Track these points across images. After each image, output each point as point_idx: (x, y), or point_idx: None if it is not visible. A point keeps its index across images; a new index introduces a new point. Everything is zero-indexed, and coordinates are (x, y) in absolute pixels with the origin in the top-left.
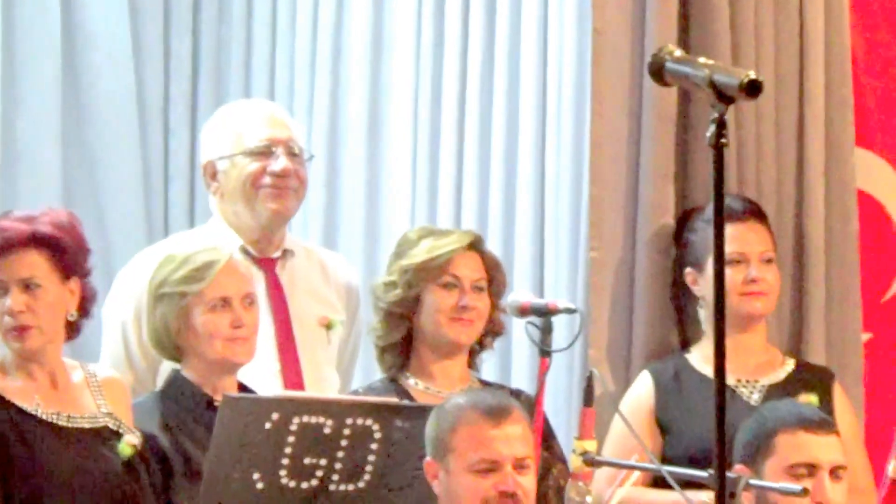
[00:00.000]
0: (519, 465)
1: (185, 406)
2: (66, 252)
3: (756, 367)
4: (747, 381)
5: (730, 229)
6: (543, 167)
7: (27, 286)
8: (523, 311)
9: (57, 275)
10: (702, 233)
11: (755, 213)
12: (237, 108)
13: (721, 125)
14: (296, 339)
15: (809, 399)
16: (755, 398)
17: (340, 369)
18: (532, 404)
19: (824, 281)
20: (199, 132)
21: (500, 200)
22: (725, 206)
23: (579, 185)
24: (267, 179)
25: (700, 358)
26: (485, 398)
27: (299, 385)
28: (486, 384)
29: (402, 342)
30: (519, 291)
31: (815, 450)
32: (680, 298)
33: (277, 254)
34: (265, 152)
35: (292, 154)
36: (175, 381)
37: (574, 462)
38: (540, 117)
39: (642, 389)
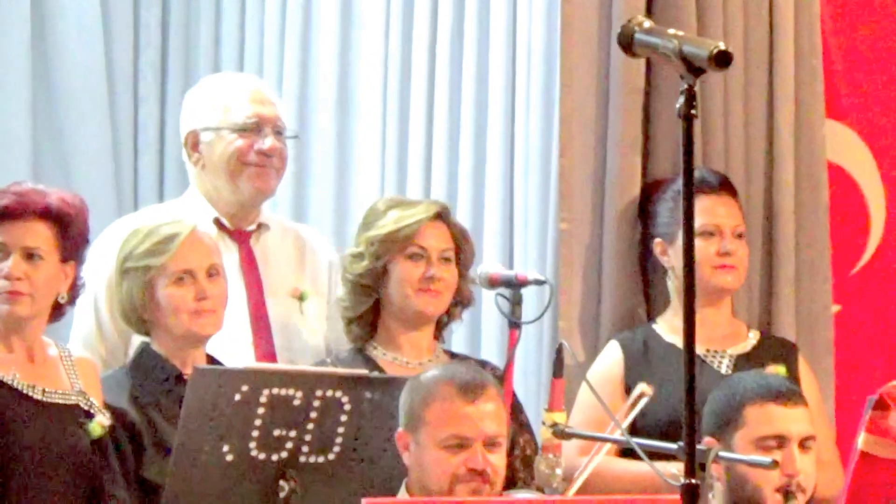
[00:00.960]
0: (490, 443)
1: (155, 379)
2: (71, 234)
3: (722, 338)
4: (716, 352)
5: (703, 201)
6: (513, 139)
7: (30, 255)
8: (493, 283)
9: (59, 253)
10: (672, 203)
11: (727, 186)
12: (225, 81)
13: (691, 97)
14: (268, 311)
15: (777, 370)
16: (724, 367)
17: (325, 343)
18: (498, 376)
19: (794, 254)
20: (168, 104)
21: (469, 172)
22: (698, 178)
23: (548, 156)
24: (252, 157)
25: (667, 328)
26: (461, 373)
27: (271, 356)
28: (452, 355)
29: (369, 313)
30: (488, 263)
31: (784, 422)
32: (646, 269)
33: (252, 227)
34: (253, 129)
35: (277, 132)
36: (144, 354)
37: (544, 434)
38: (509, 89)
39: (611, 359)
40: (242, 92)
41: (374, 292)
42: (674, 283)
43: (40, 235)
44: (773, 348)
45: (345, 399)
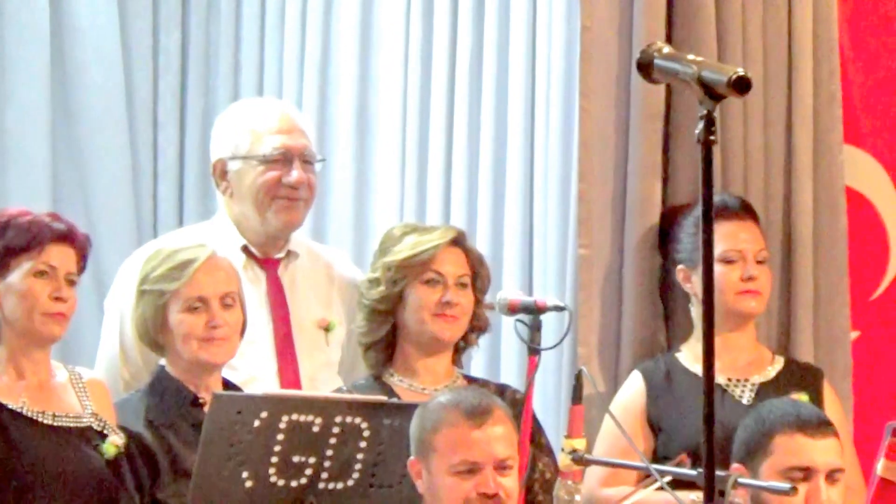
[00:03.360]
0: (500, 466)
1: (170, 403)
2: (85, 264)
3: (746, 365)
4: (738, 381)
5: (725, 227)
6: (532, 164)
7: (71, 282)
8: (512, 309)
9: (77, 279)
10: (694, 229)
11: (749, 211)
12: (254, 108)
13: (710, 122)
14: (294, 341)
15: (800, 398)
16: (746, 397)
17: (344, 368)
18: (519, 399)
19: (812, 279)
20: (187, 128)
21: (488, 197)
22: (720, 203)
23: (568, 182)
24: (282, 191)
25: (691, 357)
26: (467, 398)
27: (296, 386)
28: (471, 380)
29: (386, 339)
30: (508, 289)
31: (811, 453)
32: (668, 296)
33: (281, 255)
34: (280, 160)
35: (306, 162)
36: (160, 377)
37: (563, 460)
38: (529, 114)
39: (633, 389)
40: (270, 121)
41: (390, 318)
42: (697, 310)
43: (75, 262)
44: (796, 375)
45: (364, 425)
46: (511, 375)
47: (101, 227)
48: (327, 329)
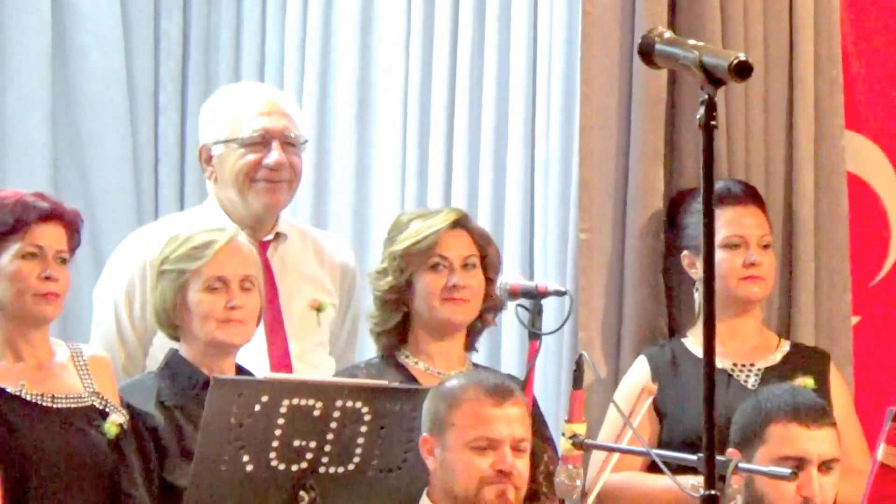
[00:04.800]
0: (516, 447)
1: (183, 385)
2: (77, 241)
3: (751, 350)
4: (743, 366)
5: (729, 212)
6: (533, 149)
7: (63, 260)
8: (513, 294)
9: (69, 257)
10: (699, 215)
11: (754, 196)
12: (235, 93)
13: (711, 107)
14: (284, 322)
15: (805, 382)
16: (752, 382)
17: (336, 352)
18: (521, 389)
19: (814, 264)
20: (188, 112)
21: (489, 182)
22: (723, 189)
23: (569, 167)
24: (261, 173)
25: (697, 342)
26: (488, 378)
27: (287, 368)
28: (479, 367)
29: (398, 325)
30: (509, 274)
31: (805, 443)
32: (671, 281)
33: (269, 237)
34: (259, 143)
35: (288, 144)
36: (173, 360)
37: (563, 445)
38: (530, 99)
39: (639, 375)
40: (251, 104)
41: (402, 306)
42: (702, 296)
43: (65, 240)
44: (802, 359)
45: (365, 409)
46: (512, 360)
47: (101, 212)
48: (318, 309)
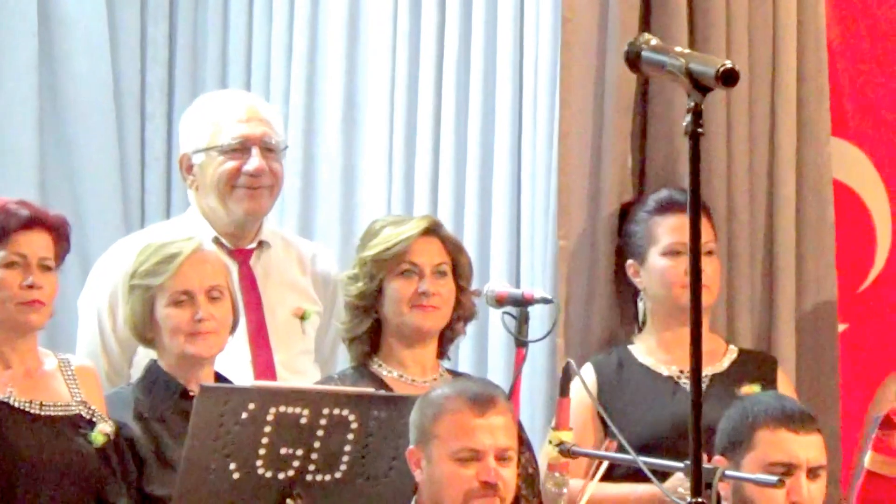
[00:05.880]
0: (501, 457)
1: (160, 396)
2: (64, 248)
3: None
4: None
5: (671, 220)
6: (520, 156)
7: (47, 267)
8: (500, 301)
9: (57, 264)
10: (643, 224)
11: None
12: (214, 101)
13: (697, 114)
14: (268, 331)
15: (753, 389)
16: None
17: (320, 360)
18: (506, 397)
19: (796, 271)
20: (175, 119)
21: (476, 189)
22: (666, 197)
23: (554, 173)
24: (241, 179)
25: (643, 349)
26: (470, 387)
27: (271, 376)
28: (455, 375)
29: (369, 332)
30: (495, 281)
31: (794, 449)
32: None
33: (252, 245)
34: (239, 149)
35: (268, 150)
36: (151, 370)
37: (550, 453)
38: (516, 105)
39: (586, 381)
40: (230, 112)
41: (372, 312)
42: (646, 304)
43: (50, 248)
44: (750, 365)
45: (352, 417)
46: (498, 368)
47: (88, 219)
48: (303, 318)
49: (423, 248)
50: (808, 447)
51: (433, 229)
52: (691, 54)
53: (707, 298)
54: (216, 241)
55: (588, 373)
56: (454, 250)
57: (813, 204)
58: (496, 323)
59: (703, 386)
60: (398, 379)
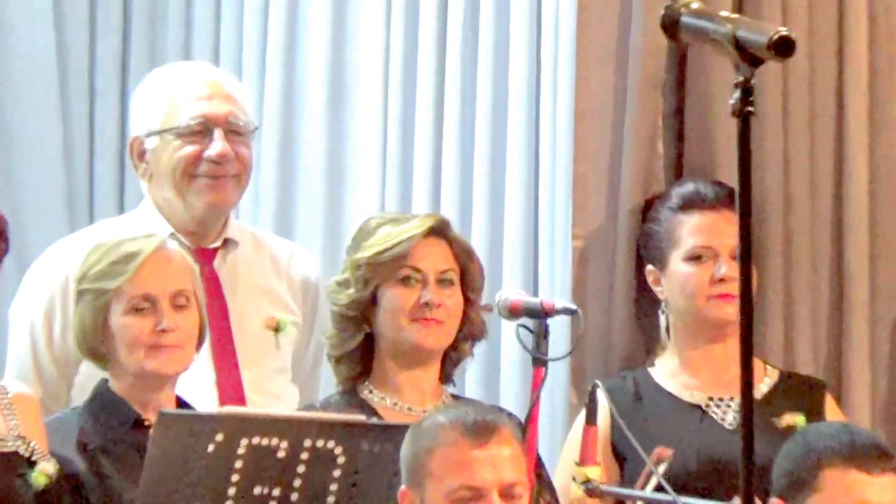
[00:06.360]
0: (507, 494)
1: (109, 424)
2: (1, 246)
3: (730, 381)
4: (720, 400)
5: (697, 218)
6: (537, 142)
7: None
8: (514, 312)
9: None
10: (665, 223)
11: (729, 200)
12: (170, 75)
13: (747, 91)
14: (236, 345)
15: (795, 420)
16: (730, 419)
17: (300, 380)
18: (519, 424)
19: (868, 277)
20: (130, 98)
21: (485, 181)
22: (692, 192)
23: None
24: (202, 167)
25: (665, 372)
26: (467, 413)
27: (240, 400)
28: (458, 400)
29: (360, 350)
30: (509, 289)
31: (867, 492)
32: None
33: (217, 244)
34: (200, 131)
35: (233, 132)
36: (100, 393)
37: (574, 492)
38: (533, 83)
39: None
40: (188, 86)
41: (364, 325)
42: (668, 319)
43: None
44: (792, 391)
45: (338, 450)
46: (511, 391)
47: (27, 214)
48: (277, 329)
49: (427, 252)
50: (882, 490)
51: (439, 229)
52: (740, 19)
53: (735, 312)
54: (174, 238)
55: (600, 400)
56: (463, 255)
57: (884, 198)
58: (509, 338)
59: (736, 416)
60: (392, 407)
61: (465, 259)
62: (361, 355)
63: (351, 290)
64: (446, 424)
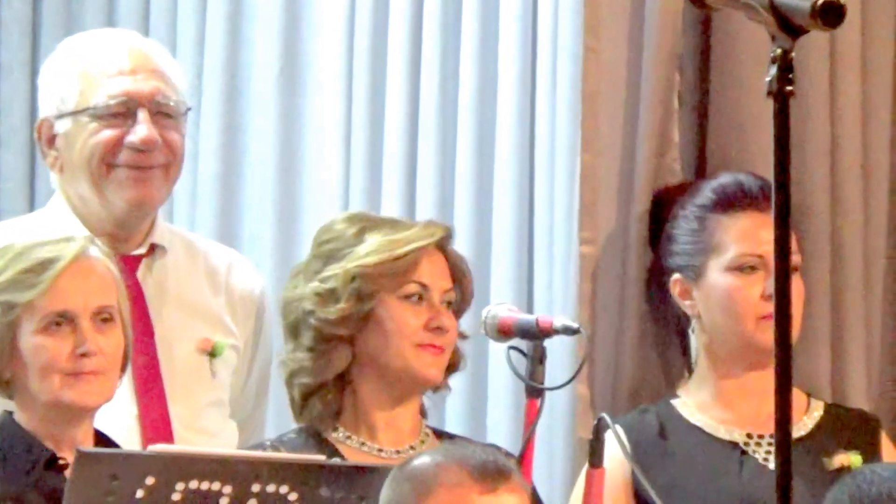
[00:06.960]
0: None
1: (17, 464)
2: None
3: (771, 415)
4: (761, 437)
5: (740, 220)
6: (533, 128)
7: None
8: (504, 332)
9: None
10: (697, 224)
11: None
12: (86, 44)
13: (786, 66)
14: (162, 372)
15: (850, 460)
16: (772, 459)
17: (240, 415)
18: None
19: None
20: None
21: (469, 174)
22: (733, 186)
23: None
24: (123, 155)
25: (691, 405)
26: (473, 453)
27: (167, 437)
28: (442, 436)
29: (340, 381)
30: (498, 304)
31: None
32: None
33: (141, 250)
34: (120, 113)
35: (162, 114)
36: (4, 428)
37: None
38: (528, 59)
39: (613, 453)
40: (108, 60)
41: (349, 347)
42: (700, 339)
43: None
44: (842, 428)
45: (293, 496)
46: (501, 426)
47: None
48: (212, 354)
49: (433, 267)
50: None
51: (444, 243)
52: None
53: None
54: (90, 242)
55: (614, 438)
56: (459, 273)
57: None
58: (498, 362)
59: None
60: (358, 448)
61: (460, 276)
62: (340, 388)
63: (342, 304)
64: (447, 465)
